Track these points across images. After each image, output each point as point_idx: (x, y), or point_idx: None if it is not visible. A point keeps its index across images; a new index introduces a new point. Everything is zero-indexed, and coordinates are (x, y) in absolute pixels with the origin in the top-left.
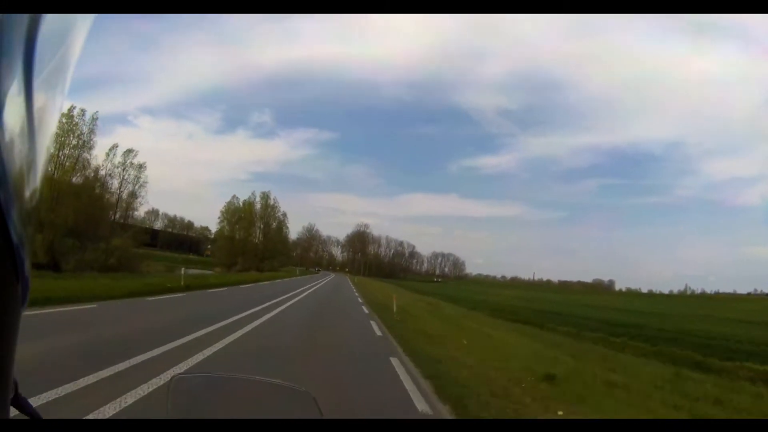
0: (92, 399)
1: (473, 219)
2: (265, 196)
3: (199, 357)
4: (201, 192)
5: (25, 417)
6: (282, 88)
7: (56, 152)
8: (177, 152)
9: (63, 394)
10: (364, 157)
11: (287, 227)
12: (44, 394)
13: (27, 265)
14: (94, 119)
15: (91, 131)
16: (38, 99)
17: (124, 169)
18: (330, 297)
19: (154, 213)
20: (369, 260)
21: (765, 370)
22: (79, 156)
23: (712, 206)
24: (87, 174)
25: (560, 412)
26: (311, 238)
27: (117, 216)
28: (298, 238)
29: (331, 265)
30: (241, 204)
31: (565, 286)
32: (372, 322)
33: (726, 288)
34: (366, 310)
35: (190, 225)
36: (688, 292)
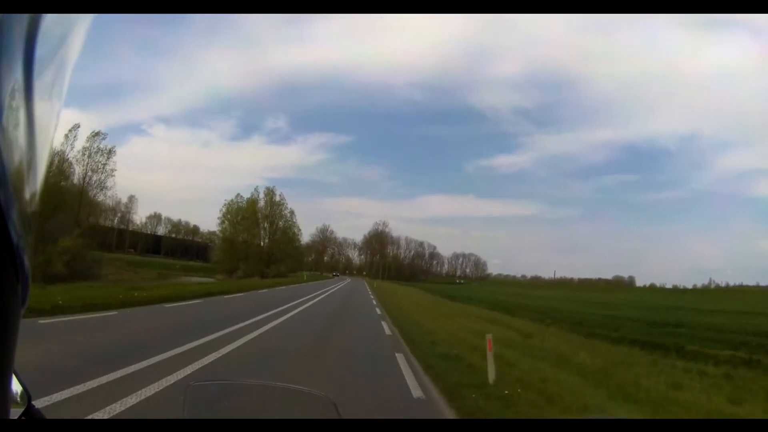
0: None
1: (491, 219)
2: (270, 193)
3: None
4: (216, 199)
5: (26, 417)
6: (297, 92)
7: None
8: (192, 160)
9: None
10: (380, 160)
11: (298, 229)
12: None
13: (27, 265)
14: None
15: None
16: (38, 99)
17: (89, 156)
18: (332, 317)
19: (156, 218)
20: (388, 263)
21: None
22: None
23: (727, 199)
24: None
25: None
26: (325, 240)
27: (115, 221)
28: (312, 241)
29: (348, 269)
30: (244, 202)
31: (586, 284)
32: None
33: (743, 281)
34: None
35: (195, 230)
36: (712, 286)
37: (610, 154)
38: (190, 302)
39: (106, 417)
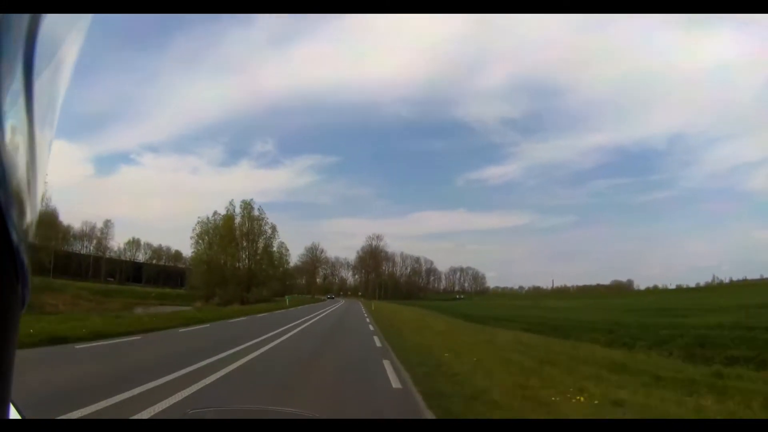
0: None
1: (484, 231)
2: (248, 207)
3: None
4: None
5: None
6: (283, 115)
7: None
8: (181, 187)
9: None
10: (369, 178)
11: (286, 249)
12: None
13: (27, 265)
14: None
15: None
16: (38, 99)
17: None
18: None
19: (134, 243)
20: (384, 281)
21: None
22: None
23: (721, 194)
24: None
25: None
26: (315, 260)
27: (90, 247)
28: (302, 262)
29: (342, 290)
30: (220, 220)
31: (585, 291)
32: None
33: (746, 275)
34: None
35: (177, 255)
36: (716, 283)
37: (599, 159)
38: (118, 341)
39: None
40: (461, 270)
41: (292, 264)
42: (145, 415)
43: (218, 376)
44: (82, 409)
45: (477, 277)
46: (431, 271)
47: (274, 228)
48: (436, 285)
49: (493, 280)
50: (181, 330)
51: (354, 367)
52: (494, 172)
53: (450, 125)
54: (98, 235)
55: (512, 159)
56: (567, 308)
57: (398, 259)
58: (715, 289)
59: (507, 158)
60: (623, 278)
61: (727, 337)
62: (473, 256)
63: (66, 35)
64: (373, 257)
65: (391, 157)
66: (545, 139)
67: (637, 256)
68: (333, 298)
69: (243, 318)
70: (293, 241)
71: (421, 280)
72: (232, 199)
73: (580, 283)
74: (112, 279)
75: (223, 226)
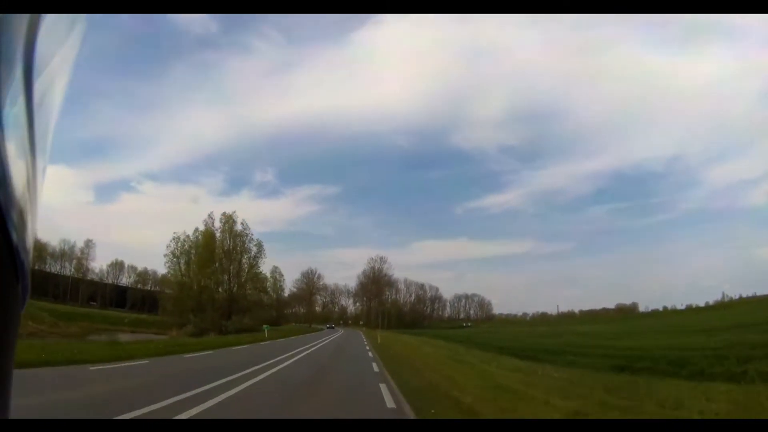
0: None
1: (485, 260)
2: (229, 220)
3: None
4: None
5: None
6: (284, 146)
7: None
8: (182, 216)
9: None
10: (369, 209)
11: (280, 274)
12: None
13: (27, 266)
14: None
15: None
16: (38, 99)
17: None
18: None
19: (118, 266)
20: (387, 309)
21: None
22: None
23: (718, 213)
24: None
25: None
26: (312, 286)
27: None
28: (297, 288)
29: (342, 318)
30: (198, 237)
31: (591, 315)
32: None
33: (756, 291)
34: None
35: (164, 279)
36: (726, 300)
37: (597, 184)
38: None
39: None
40: (466, 297)
41: (288, 292)
42: None
43: None
44: None
45: (483, 304)
46: (436, 298)
47: (260, 245)
48: (440, 313)
49: (496, 308)
50: (92, 368)
51: None
52: (494, 201)
53: (448, 154)
54: (78, 255)
55: (512, 187)
56: (599, 333)
57: (402, 286)
58: (727, 307)
59: (506, 186)
60: (626, 301)
61: None
62: (475, 284)
63: (66, 36)
64: (375, 282)
65: (390, 186)
66: (544, 166)
67: (639, 279)
68: (333, 327)
69: (225, 350)
70: (294, 272)
71: (425, 308)
72: (212, 212)
73: (585, 307)
74: (94, 303)
75: (202, 243)
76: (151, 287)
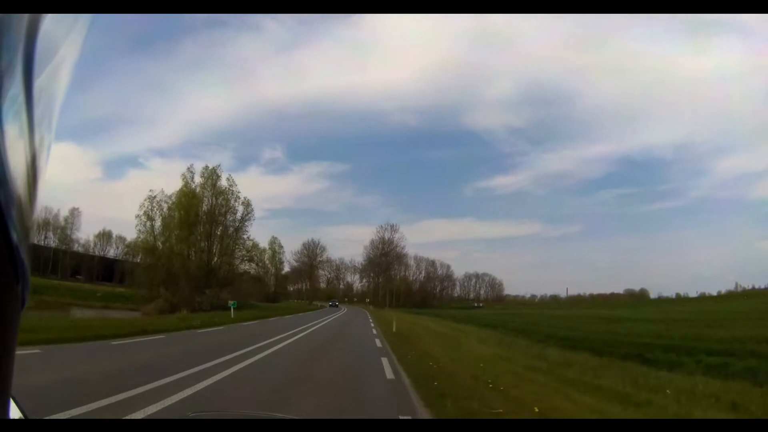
0: None
1: (493, 240)
2: (212, 174)
3: None
4: None
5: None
6: (292, 122)
7: None
8: None
9: None
10: (377, 186)
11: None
12: None
13: (27, 265)
14: None
15: None
16: (38, 99)
17: None
18: None
19: (105, 236)
20: (396, 286)
21: None
22: None
23: (726, 204)
24: None
25: None
26: (313, 259)
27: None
28: (298, 262)
29: (348, 296)
30: (177, 195)
31: (600, 299)
32: None
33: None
34: None
35: (135, 245)
36: (739, 290)
37: (606, 168)
38: None
39: None
40: (477, 276)
41: (288, 266)
42: None
43: None
44: None
45: (494, 285)
46: (446, 276)
47: (248, 205)
48: (449, 292)
49: (504, 289)
50: None
51: None
52: (503, 182)
53: (457, 134)
54: (62, 225)
55: (521, 168)
56: (636, 319)
57: (411, 262)
58: (750, 296)
59: (515, 168)
60: (632, 286)
61: None
62: (482, 264)
63: (66, 35)
64: (384, 254)
65: (398, 165)
66: (553, 148)
67: (645, 265)
68: (336, 305)
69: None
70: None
71: (435, 287)
72: (191, 164)
73: (591, 291)
74: (80, 276)
75: (179, 201)
76: (141, 259)
